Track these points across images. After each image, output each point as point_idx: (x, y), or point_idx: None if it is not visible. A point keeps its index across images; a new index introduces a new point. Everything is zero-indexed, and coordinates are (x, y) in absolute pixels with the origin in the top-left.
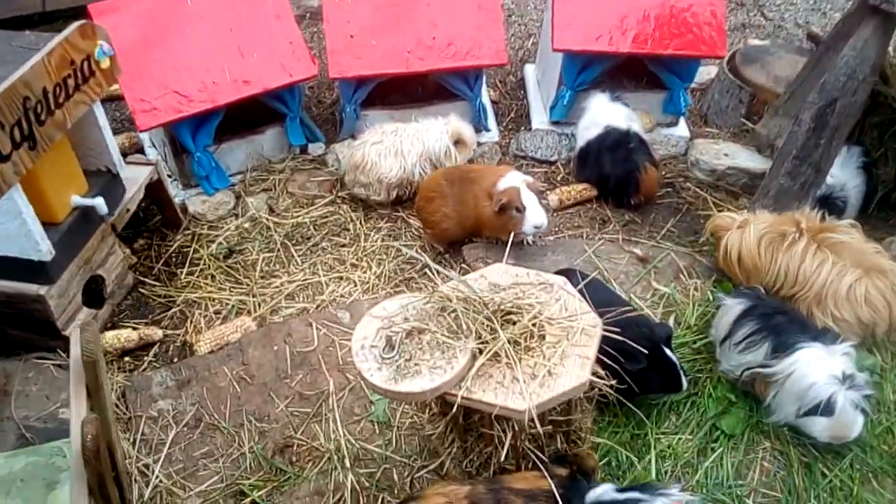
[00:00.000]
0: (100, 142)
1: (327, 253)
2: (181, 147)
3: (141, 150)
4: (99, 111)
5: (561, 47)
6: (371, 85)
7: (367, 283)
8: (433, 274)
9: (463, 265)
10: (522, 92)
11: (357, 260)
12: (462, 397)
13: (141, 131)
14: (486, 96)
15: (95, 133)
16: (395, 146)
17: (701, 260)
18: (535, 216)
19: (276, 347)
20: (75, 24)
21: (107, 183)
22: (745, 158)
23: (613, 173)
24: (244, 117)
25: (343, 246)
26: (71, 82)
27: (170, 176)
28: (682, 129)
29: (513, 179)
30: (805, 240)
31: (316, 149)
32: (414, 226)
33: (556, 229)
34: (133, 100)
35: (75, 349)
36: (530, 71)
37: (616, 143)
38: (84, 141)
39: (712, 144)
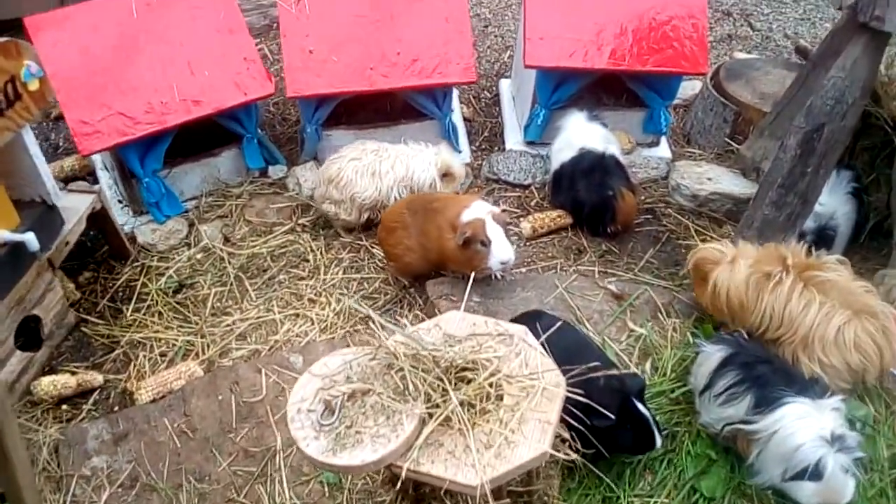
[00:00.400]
0: (31, 171)
1: (284, 287)
2: (130, 172)
3: (94, 174)
4: (29, 137)
5: (533, 63)
6: (333, 103)
7: (325, 321)
8: (376, 328)
9: (427, 302)
10: (497, 109)
11: (316, 295)
12: (408, 469)
13: (83, 155)
14: (458, 114)
15: (26, 161)
16: (373, 166)
17: (680, 297)
18: (500, 251)
19: (220, 397)
20: None
21: (41, 215)
22: (729, 182)
23: (588, 200)
24: (199, 138)
25: (301, 279)
26: None
27: (121, 202)
28: (663, 150)
29: (478, 210)
30: (791, 278)
31: (277, 171)
32: (378, 256)
33: (529, 260)
34: (74, 122)
35: None
36: (505, 86)
37: (591, 167)
38: (13, 170)
39: (695, 167)
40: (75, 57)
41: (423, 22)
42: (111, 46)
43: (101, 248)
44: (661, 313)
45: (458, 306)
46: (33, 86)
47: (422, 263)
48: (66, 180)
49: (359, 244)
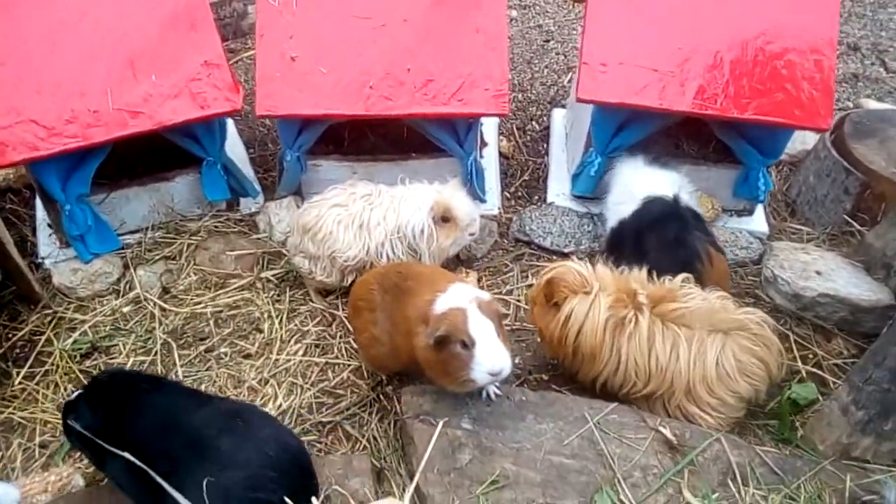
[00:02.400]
0: None
1: (223, 365)
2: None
3: (32, 186)
4: None
5: (588, 97)
6: (321, 127)
7: None
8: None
9: (400, 417)
10: (546, 146)
11: (260, 382)
12: None
13: None
14: (493, 148)
15: None
16: (360, 217)
17: (770, 450)
18: (488, 358)
19: None
20: None
21: None
22: (846, 281)
23: (661, 264)
24: (151, 156)
25: (247, 356)
26: None
27: (49, 226)
28: (758, 222)
29: (457, 296)
30: (647, 319)
31: (250, 205)
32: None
33: (551, 367)
34: None
35: None
36: (559, 118)
37: (662, 219)
38: None
39: (800, 253)
40: None
41: (445, 30)
42: (29, 30)
43: (9, 285)
44: (735, 478)
45: (441, 432)
46: None
47: (391, 361)
48: None
49: (332, 314)
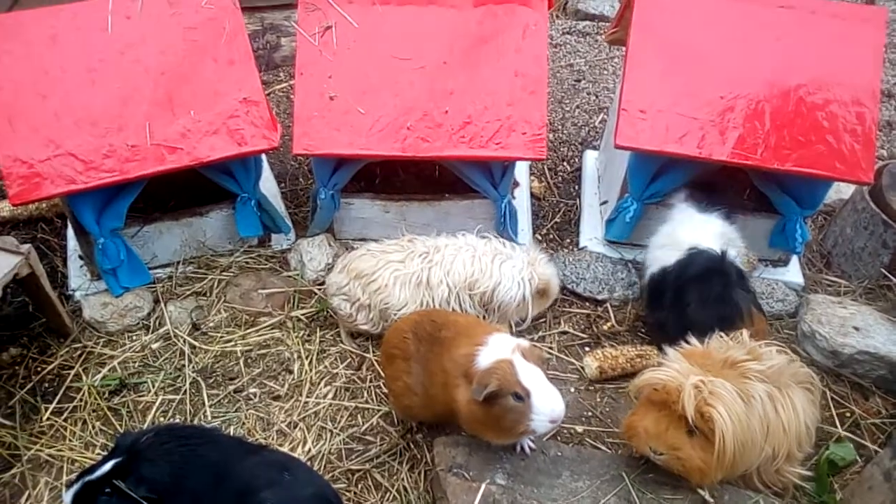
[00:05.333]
0: None
1: (252, 406)
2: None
3: (64, 216)
4: None
5: (626, 144)
6: (356, 166)
7: None
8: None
9: (432, 468)
10: (577, 188)
11: (290, 425)
12: None
13: (13, 205)
14: (525, 190)
15: None
16: (419, 276)
17: None
18: (547, 404)
19: None
20: None
21: None
22: (885, 338)
23: (701, 319)
24: (185, 190)
25: (276, 398)
26: None
27: (81, 258)
28: (793, 273)
29: (499, 348)
30: (763, 387)
31: (282, 241)
32: (383, 379)
33: (587, 419)
34: (6, 160)
35: None
36: (591, 160)
37: (706, 273)
38: None
39: (837, 307)
40: (24, 74)
41: (484, 73)
42: (71, 65)
43: (41, 317)
44: None
45: (475, 487)
46: None
47: (424, 411)
48: (30, 220)
49: (362, 356)
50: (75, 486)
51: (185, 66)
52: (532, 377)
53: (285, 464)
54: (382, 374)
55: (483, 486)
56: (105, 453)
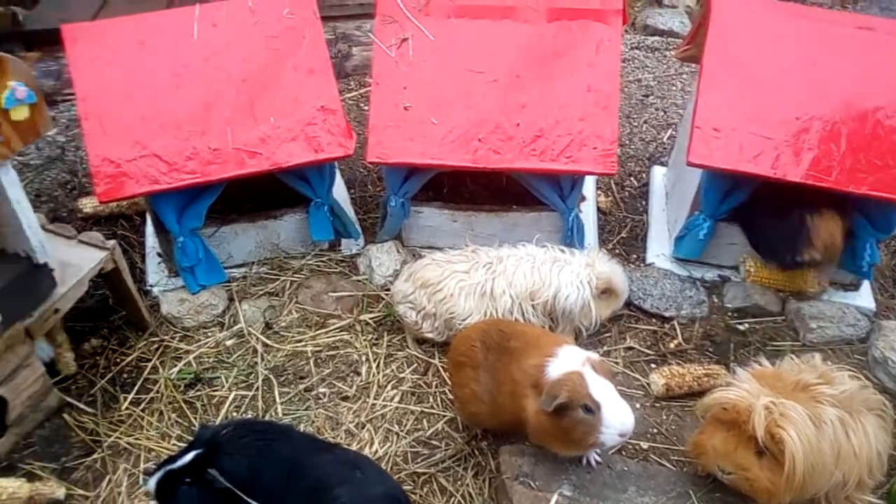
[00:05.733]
0: (10, 220)
1: (321, 405)
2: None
3: (142, 213)
4: (7, 178)
5: (699, 161)
6: (427, 175)
7: None
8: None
9: (496, 475)
10: (644, 203)
11: (358, 426)
12: None
13: (101, 202)
14: (591, 203)
15: (5, 209)
16: (483, 286)
17: None
18: (618, 417)
19: None
20: None
21: (23, 274)
22: None
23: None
24: (261, 193)
25: (345, 398)
26: None
27: (159, 255)
28: (864, 298)
29: (569, 360)
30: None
31: (351, 245)
32: (449, 383)
33: (652, 436)
34: (96, 159)
35: None
36: (659, 175)
37: None
38: None
39: None
40: (113, 78)
41: (557, 88)
42: (158, 70)
43: (120, 310)
44: None
45: (540, 496)
46: (19, 114)
47: (491, 419)
48: (110, 217)
49: (428, 361)
50: (158, 474)
51: (266, 73)
52: (603, 390)
53: (357, 462)
54: (449, 380)
55: (553, 497)
56: (182, 444)
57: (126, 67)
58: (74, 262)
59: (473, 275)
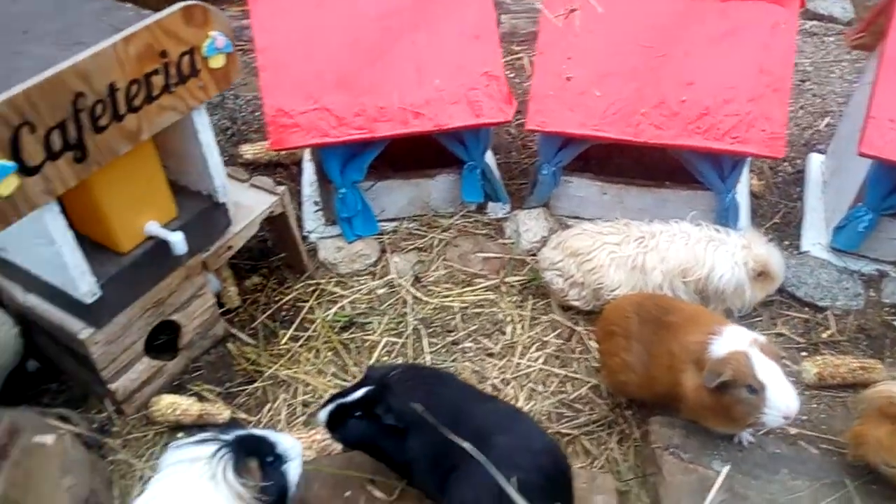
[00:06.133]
0: (198, 161)
1: (467, 359)
2: (327, 176)
3: (299, 164)
4: (201, 121)
5: (872, 152)
6: (582, 146)
7: None
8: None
9: (647, 447)
10: (799, 190)
11: (503, 382)
12: None
13: (272, 149)
14: (744, 186)
15: (193, 149)
16: (635, 260)
17: None
18: (783, 400)
19: (347, 493)
20: (179, 5)
21: (204, 211)
22: None
23: None
24: (415, 152)
25: (490, 355)
26: (158, 81)
27: (316, 203)
28: None
29: (735, 339)
30: None
31: (497, 209)
32: (594, 353)
33: (800, 422)
34: (271, 109)
35: None
36: (816, 163)
37: None
38: (180, 155)
39: None
40: (292, 33)
41: (727, 67)
42: (335, 27)
43: (279, 252)
44: None
45: (691, 468)
46: (217, 62)
47: (639, 390)
48: (269, 165)
49: (572, 328)
50: (330, 406)
51: (434, 38)
52: (769, 371)
53: (516, 415)
54: (597, 348)
55: (724, 471)
56: (338, 382)
57: (304, 23)
58: (247, 204)
59: (625, 248)
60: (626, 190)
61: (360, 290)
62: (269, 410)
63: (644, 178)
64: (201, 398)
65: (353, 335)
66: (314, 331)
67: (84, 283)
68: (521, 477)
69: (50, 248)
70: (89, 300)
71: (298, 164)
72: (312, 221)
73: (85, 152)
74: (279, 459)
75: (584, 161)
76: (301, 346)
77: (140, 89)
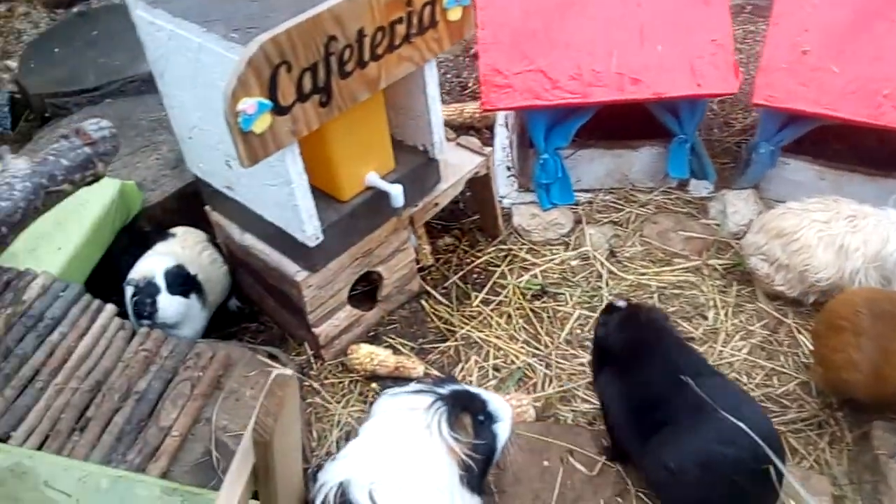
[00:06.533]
0: (422, 114)
1: None
2: (529, 141)
3: (491, 128)
4: (430, 74)
5: None
6: (808, 126)
7: None
8: None
9: (867, 451)
10: None
11: None
12: None
13: (484, 110)
14: None
15: (418, 102)
16: (842, 238)
17: None
18: None
19: (546, 463)
20: None
21: (418, 166)
22: None
23: None
24: (618, 121)
25: (690, 339)
26: (400, 30)
27: (509, 168)
28: None
29: None
30: None
31: (700, 188)
32: (804, 347)
33: None
34: (486, 68)
35: (249, 427)
36: None
37: None
38: (402, 108)
39: None
40: None
41: None
42: None
43: (471, 214)
44: None
45: None
46: (454, 14)
47: (867, 392)
48: (461, 128)
49: (780, 319)
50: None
51: (662, 0)
52: None
53: (744, 397)
54: (815, 341)
55: None
56: (530, 349)
57: None
58: (454, 162)
59: (834, 225)
60: (847, 177)
61: (552, 259)
62: (461, 370)
63: (864, 164)
64: (396, 351)
65: (544, 304)
66: (505, 296)
67: (311, 226)
68: (735, 455)
69: (284, 189)
70: (312, 244)
71: (490, 128)
72: (504, 187)
73: (329, 96)
74: (490, 419)
75: (797, 143)
76: (492, 310)
77: (384, 37)
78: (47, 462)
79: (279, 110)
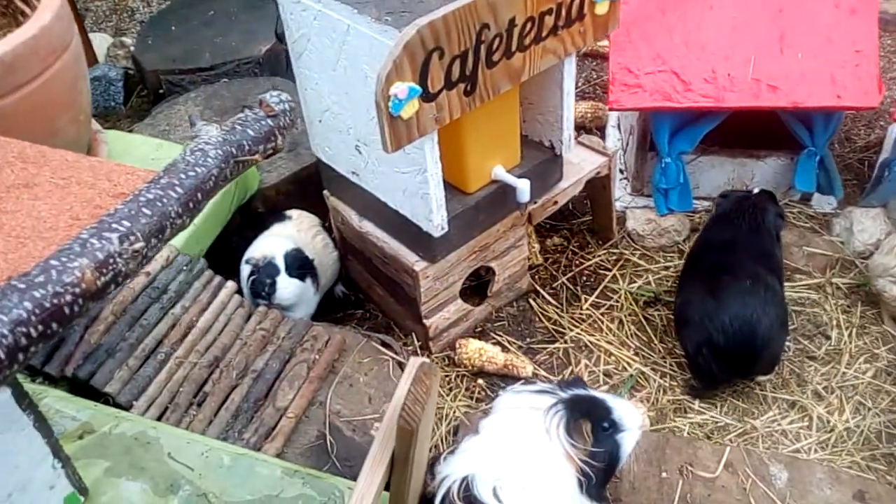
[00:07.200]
0: (555, 110)
1: (786, 357)
2: (650, 143)
3: (602, 129)
4: (569, 69)
5: None
6: None
7: (830, 432)
8: None
9: None
10: None
11: (826, 390)
12: None
13: (611, 109)
14: None
15: (553, 97)
16: None
17: None
18: None
19: (665, 474)
20: None
21: (541, 162)
22: None
23: None
24: (743, 127)
25: (812, 358)
26: (549, 21)
27: (622, 171)
28: None
29: None
30: None
31: (824, 203)
32: None
33: None
34: (617, 67)
35: (391, 412)
36: None
37: None
38: (535, 102)
39: None
40: None
41: None
42: None
43: (580, 215)
44: None
45: None
46: (602, 8)
47: None
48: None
49: None
50: None
51: (804, 7)
52: None
53: (772, 307)
54: None
55: None
56: (641, 358)
57: None
58: (574, 161)
59: None
60: None
61: (666, 266)
62: (570, 374)
63: None
64: (504, 349)
65: (658, 312)
66: (617, 301)
67: (438, 216)
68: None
69: (417, 177)
70: (437, 234)
71: (602, 129)
72: (617, 190)
73: (474, 85)
74: (615, 427)
75: None
76: (602, 314)
77: (532, 28)
78: (171, 434)
79: (427, 97)
